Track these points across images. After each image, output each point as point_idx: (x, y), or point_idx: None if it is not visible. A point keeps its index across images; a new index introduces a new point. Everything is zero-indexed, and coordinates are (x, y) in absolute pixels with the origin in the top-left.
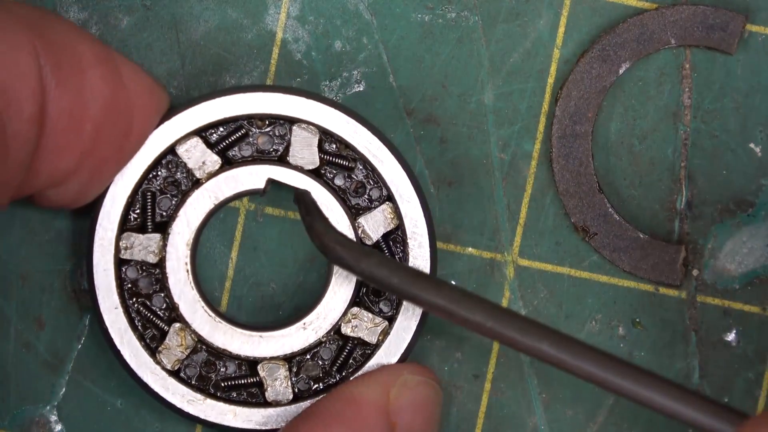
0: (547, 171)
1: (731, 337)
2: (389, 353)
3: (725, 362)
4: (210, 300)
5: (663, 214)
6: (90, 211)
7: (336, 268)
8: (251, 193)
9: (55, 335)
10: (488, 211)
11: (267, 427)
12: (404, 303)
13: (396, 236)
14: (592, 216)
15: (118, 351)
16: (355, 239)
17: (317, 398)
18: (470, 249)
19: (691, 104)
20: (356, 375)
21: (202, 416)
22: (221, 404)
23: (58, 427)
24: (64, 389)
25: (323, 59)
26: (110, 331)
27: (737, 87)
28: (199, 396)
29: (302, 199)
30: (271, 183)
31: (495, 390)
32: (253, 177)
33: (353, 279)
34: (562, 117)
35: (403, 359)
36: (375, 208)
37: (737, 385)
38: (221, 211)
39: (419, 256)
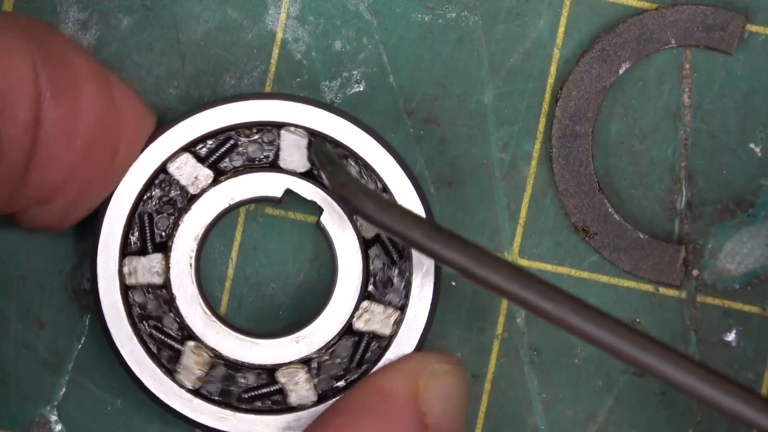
0: (547, 171)
1: (731, 337)
2: (405, 342)
3: (725, 362)
4: (211, 301)
5: (663, 214)
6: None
7: (341, 267)
8: (247, 203)
9: (55, 335)
10: (488, 211)
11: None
12: (412, 291)
13: None
14: (592, 216)
15: (139, 380)
16: (354, 231)
17: (344, 393)
18: None
19: (691, 104)
20: (382, 366)
21: None
22: (250, 416)
23: (58, 427)
24: (64, 389)
25: (323, 59)
26: (128, 362)
27: (737, 87)
28: (228, 412)
29: (320, 150)
30: (288, 193)
31: (495, 390)
32: (247, 186)
33: (359, 273)
34: (562, 117)
35: (419, 347)
36: None
37: None
38: None
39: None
